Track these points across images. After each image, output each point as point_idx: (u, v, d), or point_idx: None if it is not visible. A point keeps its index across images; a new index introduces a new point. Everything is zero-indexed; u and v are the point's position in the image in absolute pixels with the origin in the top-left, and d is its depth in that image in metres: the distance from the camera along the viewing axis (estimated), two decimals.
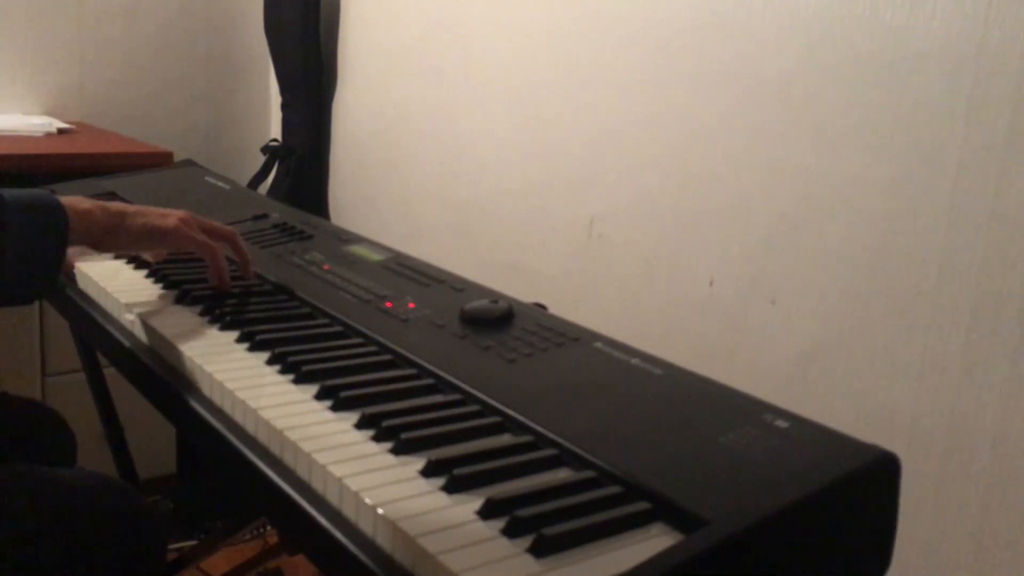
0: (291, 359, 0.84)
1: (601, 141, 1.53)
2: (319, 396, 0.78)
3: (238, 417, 0.77)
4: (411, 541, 0.58)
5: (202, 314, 0.97)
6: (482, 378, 0.81)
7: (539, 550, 0.57)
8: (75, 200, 0.97)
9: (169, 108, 2.58)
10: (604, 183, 1.53)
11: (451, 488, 0.64)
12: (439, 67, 1.91)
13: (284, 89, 2.32)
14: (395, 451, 0.69)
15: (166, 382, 0.86)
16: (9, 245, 0.88)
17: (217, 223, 1.08)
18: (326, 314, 0.98)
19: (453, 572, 0.55)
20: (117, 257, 1.17)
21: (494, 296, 0.98)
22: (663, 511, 0.61)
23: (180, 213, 1.03)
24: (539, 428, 0.72)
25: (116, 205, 1.02)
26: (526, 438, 0.72)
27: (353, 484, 0.64)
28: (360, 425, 0.73)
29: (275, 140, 2.37)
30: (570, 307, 1.20)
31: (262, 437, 0.74)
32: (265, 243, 1.22)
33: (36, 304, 2.02)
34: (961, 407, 1.06)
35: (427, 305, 0.98)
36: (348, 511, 0.64)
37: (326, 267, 1.11)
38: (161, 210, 1.04)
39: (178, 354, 0.87)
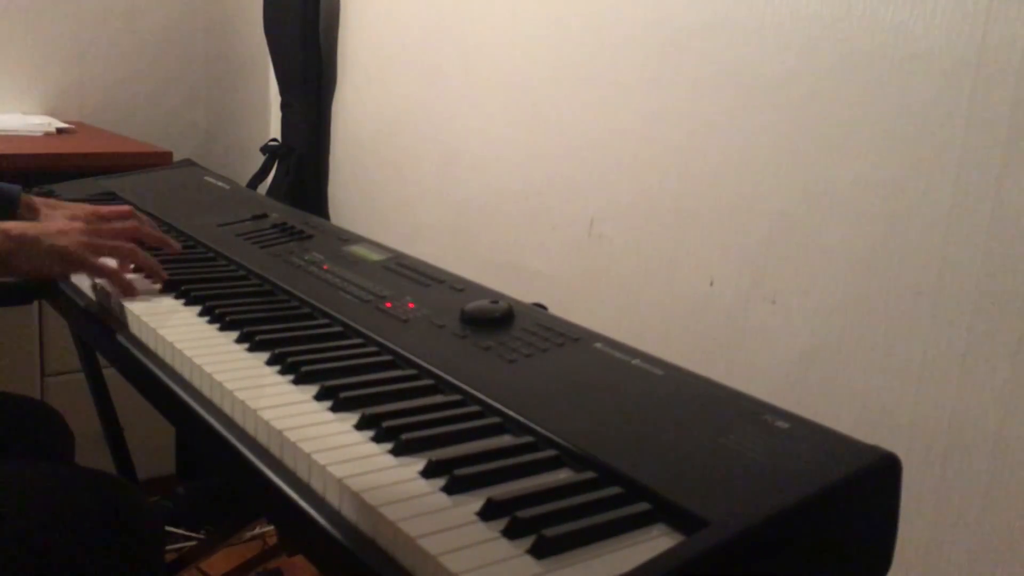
0: (291, 359, 0.84)
1: (601, 141, 1.53)
2: (319, 397, 0.78)
3: (237, 417, 0.77)
4: (411, 542, 0.58)
5: (202, 314, 0.97)
6: (482, 378, 0.80)
7: (540, 551, 0.57)
8: None
9: (169, 108, 2.58)
10: (604, 183, 1.53)
11: (451, 489, 0.64)
12: (439, 67, 1.91)
13: (284, 89, 2.31)
14: (395, 452, 0.69)
15: (165, 382, 0.86)
16: None
17: (119, 225, 1.09)
18: (326, 314, 0.98)
19: (453, 573, 0.55)
20: None
21: (494, 296, 0.98)
22: (664, 512, 0.61)
23: (78, 237, 1.03)
24: (539, 429, 0.72)
25: (18, 227, 1.02)
26: (526, 439, 0.72)
27: (353, 485, 0.64)
28: (360, 426, 0.73)
29: (275, 140, 2.37)
30: (570, 307, 1.20)
31: (262, 438, 0.74)
32: (265, 243, 1.22)
33: (36, 304, 2.02)
34: (961, 407, 1.06)
35: (427, 305, 0.98)
36: (348, 512, 0.64)
37: (326, 267, 1.11)
38: (60, 226, 1.04)
39: (177, 354, 0.87)
